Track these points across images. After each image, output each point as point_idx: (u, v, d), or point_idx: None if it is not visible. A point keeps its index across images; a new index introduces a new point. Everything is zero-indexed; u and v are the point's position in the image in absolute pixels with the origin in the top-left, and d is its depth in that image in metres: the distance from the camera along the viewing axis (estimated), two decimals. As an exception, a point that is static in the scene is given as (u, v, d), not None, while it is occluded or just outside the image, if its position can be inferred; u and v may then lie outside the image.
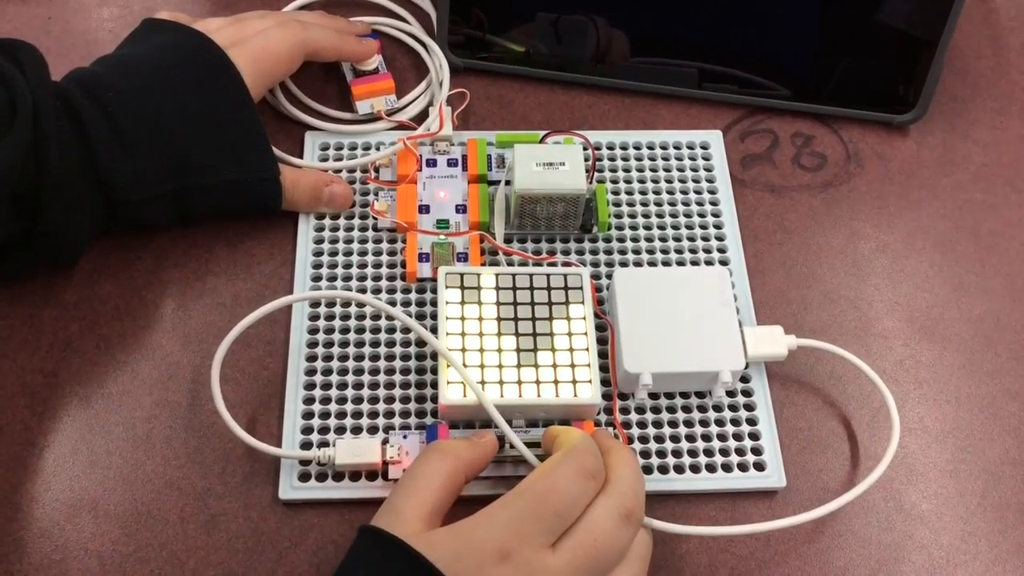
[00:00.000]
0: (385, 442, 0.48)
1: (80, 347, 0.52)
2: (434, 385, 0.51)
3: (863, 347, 0.54)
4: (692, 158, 0.60)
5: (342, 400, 0.51)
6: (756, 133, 0.62)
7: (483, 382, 0.48)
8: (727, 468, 0.50)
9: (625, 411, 0.51)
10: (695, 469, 0.50)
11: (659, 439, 0.51)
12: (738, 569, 0.48)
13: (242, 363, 0.52)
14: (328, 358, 0.52)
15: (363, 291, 0.54)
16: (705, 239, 0.57)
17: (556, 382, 0.49)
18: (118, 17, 0.65)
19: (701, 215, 0.58)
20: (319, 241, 0.56)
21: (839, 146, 0.62)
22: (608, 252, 0.56)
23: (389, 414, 0.50)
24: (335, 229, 0.56)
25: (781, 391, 0.53)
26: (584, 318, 0.51)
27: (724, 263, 0.56)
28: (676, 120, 0.62)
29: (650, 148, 0.61)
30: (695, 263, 0.56)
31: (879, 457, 0.50)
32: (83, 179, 0.50)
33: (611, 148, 0.60)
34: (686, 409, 0.51)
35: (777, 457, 0.50)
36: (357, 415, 0.50)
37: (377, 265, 0.55)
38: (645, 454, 0.50)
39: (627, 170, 0.60)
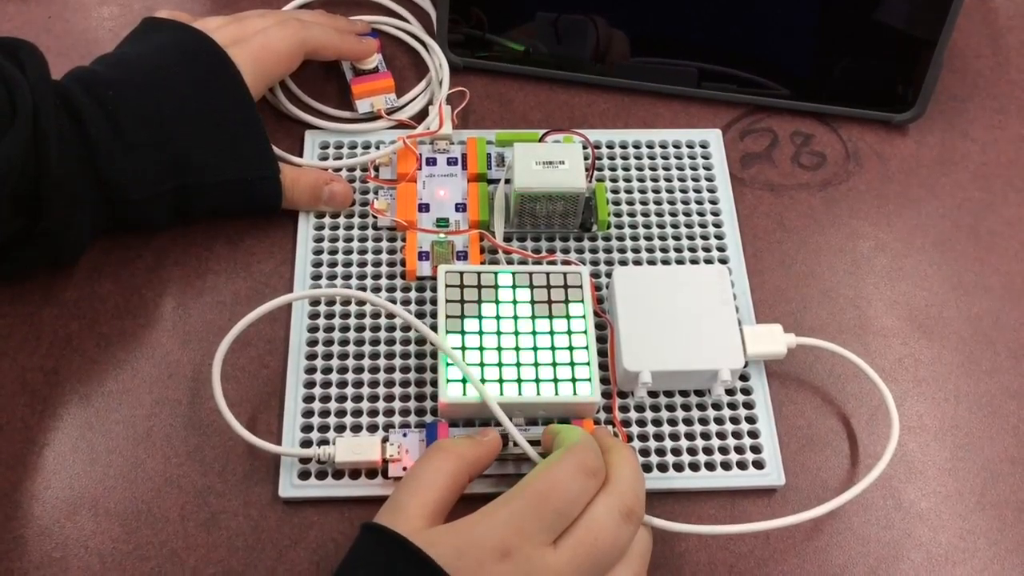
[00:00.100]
0: (385, 440, 0.49)
1: (80, 345, 0.52)
2: (434, 383, 0.51)
3: (862, 346, 0.55)
4: (691, 157, 0.60)
5: (342, 398, 0.51)
6: (755, 132, 0.63)
7: (483, 380, 0.48)
8: (726, 466, 0.50)
9: (624, 409, 0.51)
10: (694, 467, 0.50)
11: (658, 437, 0.51)
12: (737, 567, 0.48)
13: (242, 361, 0.52)
14: (328, 356, 0.52)
15: (363, 290, 0.54)
16: (704, 238, 0.57)
17: (555, 380, 0.49)
18: (118, 16, 0.65)
19: (700, 214, 0.58)
20: (319, 240, 0.56)
21: (838, 145, 0.62)
22: (607, 251, 0.56)
23: (389, 412, 0.51)
24: (335, 228, 0.56)
25: (780, 389, 0.53)
26: (583, 317, 0.51)
27: (723, 262, 0.56)
28: (675, 119, 0.63)
29: (649, 147, 0.61)
30: (694, 262, 0.56)
31: (878, 455, 0.50)
32: (83, 178, 0.50)
33: (611, 147, 0.60)
34: (685, 407, 0.51)
35: (776, 455, 0.50)
36: (357, 413, 0.50)
37: (377, 264, 0.55)
38: (644, 452, 0.50)
39: (627, 169, 0.60)
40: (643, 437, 0.51)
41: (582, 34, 0.62)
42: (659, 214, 0.58)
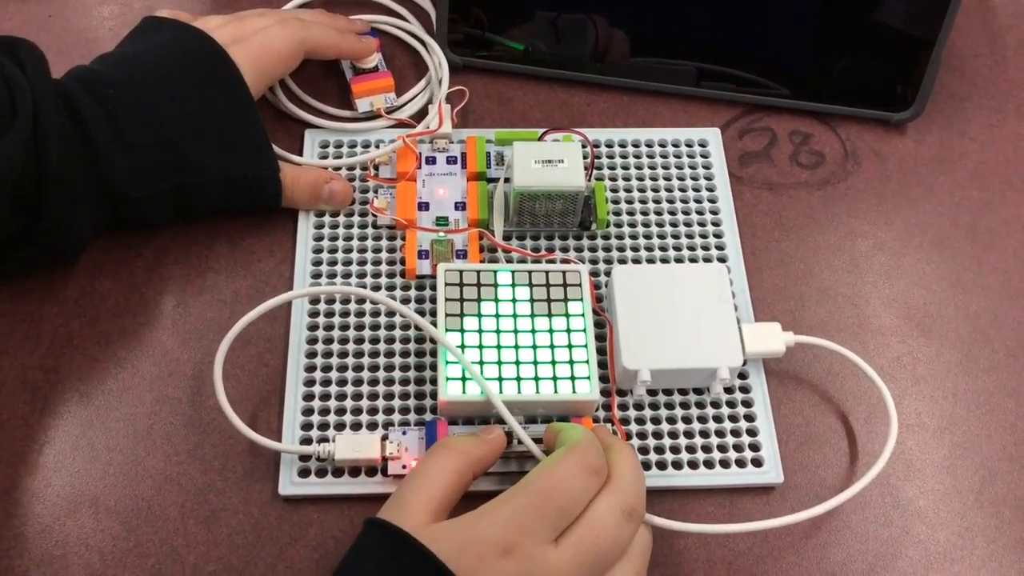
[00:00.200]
0: (384, 438, 0.49)
1: (80, 344, 0.52)
2: (433, 382, 0.51)
3: (860, 344, 0.55)
4: (691, 156, 0.61)
5: (342, 397, 0.51)
6: (754, 131, 0.63)
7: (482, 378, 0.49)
8: (725, 464, 0.50)
9: (623, 407, 0.51)
10: (693, 465, 0.50)
11: (657, 435, 0.51)
12: (736, 564, 0.48)
13: (242, 360, 0.52)
14: (328, 355, 0.52)
15: (363, 288, 0.54)
16: (703, 236, 0.57)
17: (555, 378, 0.49)
18: (118, 15, 0.65)
19: (699, 212, 0.58)
20: (319, 238, 0.56)
21: (837, 144, 0.62)
22: (607, 249, 0.57)
23: (389, 410, 0.51)
24: (335, 226, 0.56)
25: (779, 388, 0.53)
26: (583, 315, 0.51)
27: (722, 260, 0.57)
28: (675, 118, 0.63)
29: (648, 146, 0.61)
30: (693, 260, 0.56)
31: (876, 453, 0.50)
32: (84, 176, 0.50)
33: (610, 146, 0.61)
34: (684, 405, 0.52)
35: (775, 453, 0.50)
36: (357, 412, 0.50)
37: (377, 262, 0.55)
38: (643, 450, 0.50)
39: (626, 168, 0.60)
40: (642, 435, 0.51)
41: (581, 33, 0.62)
42: (658, 213, 0.58)
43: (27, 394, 0.51)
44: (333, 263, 0.55)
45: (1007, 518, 0.50)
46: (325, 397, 0.51)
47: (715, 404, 0.52)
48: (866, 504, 0.50)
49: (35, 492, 0.48)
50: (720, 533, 0.48)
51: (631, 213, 0.58)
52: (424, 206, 0.57)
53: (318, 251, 0.55)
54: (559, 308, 0.51)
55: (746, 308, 0.55)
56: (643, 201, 0.59)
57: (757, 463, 0.50)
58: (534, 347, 0.50)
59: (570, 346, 0.50)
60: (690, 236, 0.57)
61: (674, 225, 0.58)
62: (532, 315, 0.51)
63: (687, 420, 0.51)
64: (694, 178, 0.60)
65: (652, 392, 0.52)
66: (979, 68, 0.66)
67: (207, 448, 0.50)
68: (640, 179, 0.59)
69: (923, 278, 0.57)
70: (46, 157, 0.48)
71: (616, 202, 0.58)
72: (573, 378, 0.49)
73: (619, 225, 0.57)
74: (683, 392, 0.52)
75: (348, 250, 0.56)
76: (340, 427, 0.50)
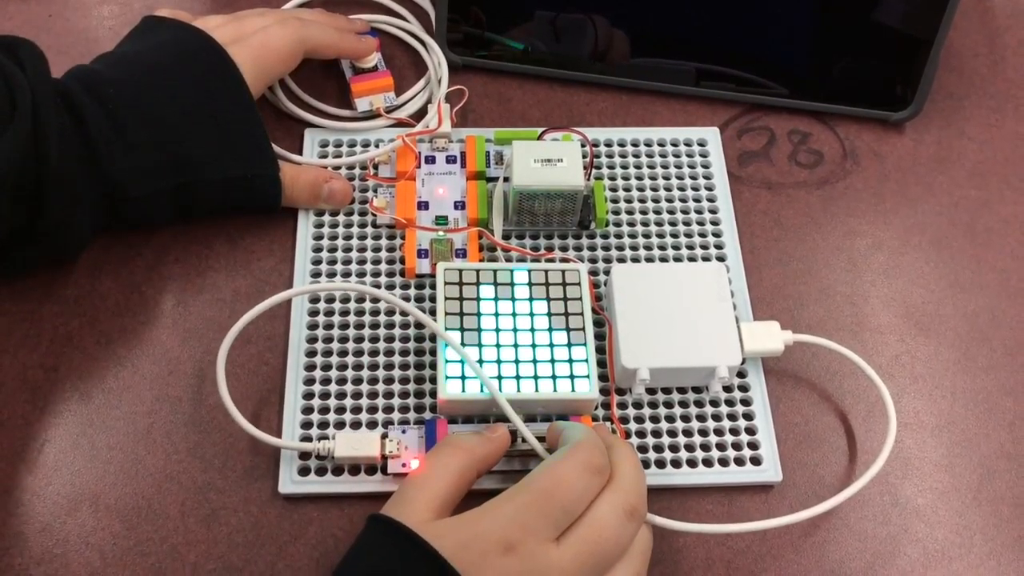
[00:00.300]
0: (384, 436, 0.49)
1: (80, 343, 0.52)
2: (433, 380, 0.51)
3: (859, 343, 0.55)
4: (689, 155, 0.61)
5: (341, 395, 0.51)
6: (753, 130, 0.63)
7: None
8: (724, 463, 0.50)
9: (623, 406, 0.51)
10: (692, 464, 0.50)
11: (656, 434, 0.51)
12: (735, 563, 0.48)
13: (242, 358, 0.52)
14: (328, 353, 0.52)
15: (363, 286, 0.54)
16: (702, 235, 0.57)
17: (554, 377, 0.49)
18: (118, 15, 0.65)
19: (698, 212, 0.58)
20: (318, 237, 0.56)
21: (835, 143, 0.63)
22: (606, 248, 0.57)
23: (388, 409, 0.51)
24: (334, 226, 0.57)
25: (777, 386, 0.53)
26: (582, 314, 0.51)
27: (721, 259, 0.57)
28: (674, 117, 0.63)
29: (648, 145, 0.61)
30: (692, 259, 0.57)
31: (875, 452, 0.50)
32: (83, 176, 0.50)
33: (609, 145, 0.61)
34: (683, 404, 0.52)
35: (773, 452, 0.50)
36: (356, 410, 0.51)
37: (376, 261, 0.55)
38: (642, 449, 0.50)
39: (625, 167, 0.60)
40: (641, 434, 0.51)
41: (581, 33, 0.62)
42: (657, 212, 0.58)
43: (27, 393, 0.51)
44: (333, 262, 0.55)
45: (1005, 516, 0.50)
46: (325, 396, 0.51)
47: (714, 403, 0.52)
48: (865, 502, 0.50)
49: (35, 491, 0.48)
50: (719, 533, 0.48)
51: (630, 212, 0.58)
52: (423, 205, 0.57)
53: (318, 250, 0.56)
54: (558, 307, 0.51)
55: (745, 307, 0.55)
56: (642, 200, 0.59)
57: (756, 461, 0.50)
58: (533, 346, 0.50)
59: (569, 345, 0.50)
60: (689, 235, 0.57)
61: (673, 224, 0.58)
62: (531, 314, 0.51)
63: (686, 419, 0.51)
64: (693, 177, 0.60)
65: (651, 391, 0.52)
66: (977, 68, 0.67)
67: (207, 447, 0.50)
68: (639, 178, 0.59)
69: (922, 277, 0.58)
70: (46, 156, 0.48)
71: (615, 201, 0.58)
72: (572, 377, 0.49)
73: (618, 224, 0.58)
74: (682, 391, 0.52)
75: (348, 249, 0.56)
76: (340, 425, 0.50)
